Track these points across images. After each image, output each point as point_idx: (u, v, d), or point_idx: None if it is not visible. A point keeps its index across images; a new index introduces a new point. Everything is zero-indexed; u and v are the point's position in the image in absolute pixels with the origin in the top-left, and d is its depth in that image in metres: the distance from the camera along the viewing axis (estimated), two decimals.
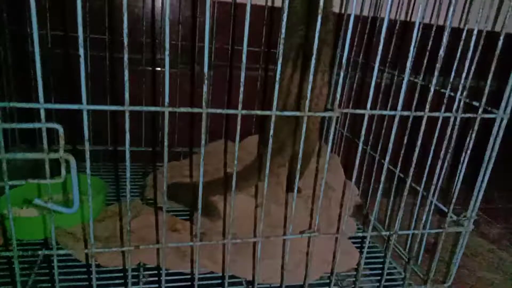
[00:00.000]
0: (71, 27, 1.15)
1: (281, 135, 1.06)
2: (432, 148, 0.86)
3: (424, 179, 0.88)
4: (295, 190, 0.76)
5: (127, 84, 0.53)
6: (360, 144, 0.66)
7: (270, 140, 0.62)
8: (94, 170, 1.21)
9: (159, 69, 1.26)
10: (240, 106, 0.59)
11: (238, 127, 0.60)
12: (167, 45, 0.54)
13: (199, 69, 1.28)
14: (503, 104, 0.71)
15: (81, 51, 0.51)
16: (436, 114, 0.67)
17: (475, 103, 0.74)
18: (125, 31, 0.51)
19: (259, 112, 0.60)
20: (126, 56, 0.52)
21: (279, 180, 1.15)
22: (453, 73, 0.80)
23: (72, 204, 0.60)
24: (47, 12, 1.13)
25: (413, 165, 0.70)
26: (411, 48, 0.63)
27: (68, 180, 0.60)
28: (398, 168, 0.96)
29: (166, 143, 0.58)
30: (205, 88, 0.57)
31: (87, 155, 0.56)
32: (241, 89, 0.58)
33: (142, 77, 1.24)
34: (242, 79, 0.57)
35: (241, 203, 1.00)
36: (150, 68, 1.25)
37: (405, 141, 0.92)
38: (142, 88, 1.25)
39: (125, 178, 0.59)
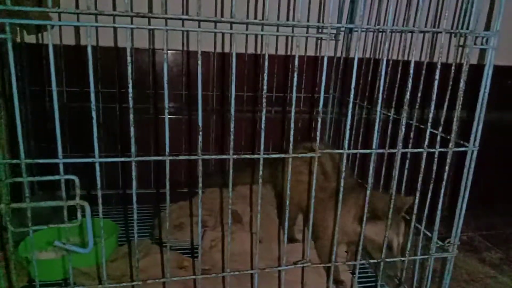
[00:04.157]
0: (83, 83, 1.26)
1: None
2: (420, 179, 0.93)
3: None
4: (286, 223, 0.82)
5: (133, 140, 0.62)
6: (342, 176, 0.73)
7: (260, 181, 0.70)
8: (106, 213, 1.29)
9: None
10: (231, 151, 0.67)
11: (231, 171, 0.68)
12: (166, 105, 0.64)
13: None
14: (472, 137, 0.77)
15: (94, 114, 0.60)
16: (407, 150, 0.74)
17: (448, 136, 0.80)
18: (130, 95, 0.61)
19: (248, 156, 0.69)
20: (131, 116, 0.62)
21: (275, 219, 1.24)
22: (432, 106, 0.87)
23: (87, 245, 0.67)
24: (63, 72, 1.25)
25: (393, 196, 0.77)
26: (381, 83, 0.72)
27: (84, 224, 0.68)
28: None
29: (168, 191, 0.66)
30: (200, 138, 0.66)
31: (100, 201, 0.64)
32: (231, 137, 0.67)
33: (148, 125, 1.35)
34: (232, 128, 0.66)
35: (242, 240, 1.08)
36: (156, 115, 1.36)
37: (383, 172, 1.00)
38: (149, 134, 1.36)
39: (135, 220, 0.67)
